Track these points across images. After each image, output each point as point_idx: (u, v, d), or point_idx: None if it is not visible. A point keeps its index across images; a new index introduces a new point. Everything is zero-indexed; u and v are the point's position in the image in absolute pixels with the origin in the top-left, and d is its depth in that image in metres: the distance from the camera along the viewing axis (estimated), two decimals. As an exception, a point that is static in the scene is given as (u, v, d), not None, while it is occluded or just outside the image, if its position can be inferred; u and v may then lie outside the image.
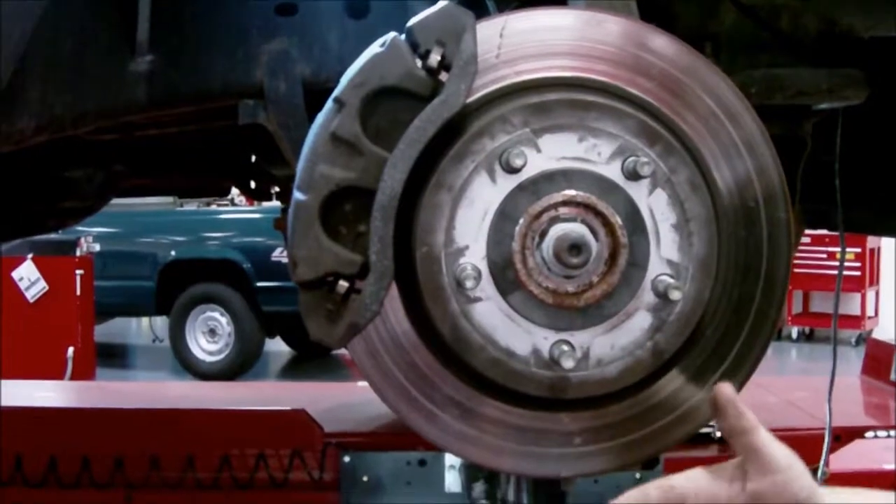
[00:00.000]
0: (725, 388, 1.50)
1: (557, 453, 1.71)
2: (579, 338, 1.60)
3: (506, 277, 1.57)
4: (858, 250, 15.04)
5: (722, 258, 1.65)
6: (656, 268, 1.60)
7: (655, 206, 1.59)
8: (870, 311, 15.74)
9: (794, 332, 16.16)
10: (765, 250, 1.70)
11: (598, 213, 1.56)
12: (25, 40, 1.92)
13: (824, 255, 14.59)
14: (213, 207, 14.40)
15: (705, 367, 1.71)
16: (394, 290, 1.60)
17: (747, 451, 1.47)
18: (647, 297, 1.60)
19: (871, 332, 14.98)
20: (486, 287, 1.57)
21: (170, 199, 11.83)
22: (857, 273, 15.21)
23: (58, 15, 1.97)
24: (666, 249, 1.60)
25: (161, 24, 2.13)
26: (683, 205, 1.59)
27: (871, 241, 14.61)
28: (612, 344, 1.61)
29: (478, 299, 1.57)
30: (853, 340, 14.86)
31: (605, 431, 1.71)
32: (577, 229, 1.55)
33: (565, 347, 1.58)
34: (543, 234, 1.55)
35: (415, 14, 1.60)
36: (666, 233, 1.60)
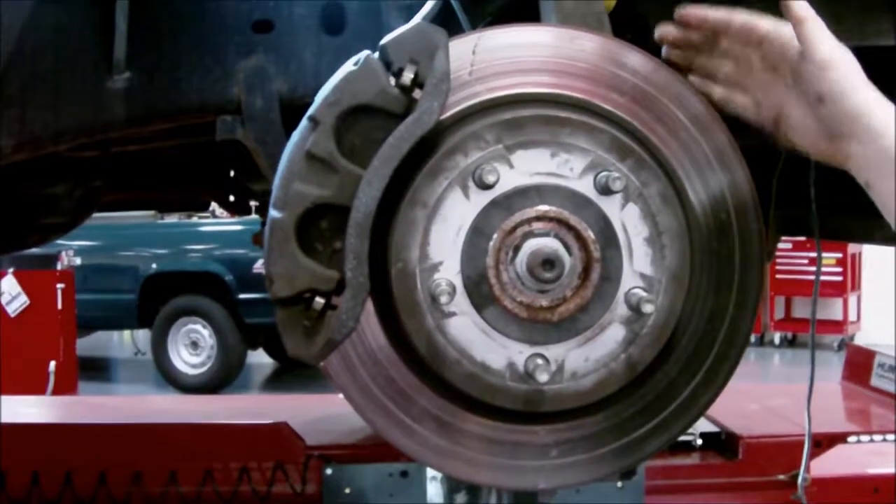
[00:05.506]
0: None
1: (534, 466, 1.72)
2: (554, 351, 1.61)
3: (480, 292, 1.58)
4: (840, 255, 15.10)
5: (694, 270, 1.66)
6: (629, 281, 1.61)
7: (628, 221, 1.60)
8: (852, 317, 15.80)
9: (777, 337, 16.21)
10: (737, 261, 1.71)
11: (571, 228, 1.57)
12: (4, 59, 1.93)
13: (806, 261, 14.65)
14: (195, 220, 14.37)
15: (679, 377, 1.73)
16: (370, 306, 1.61)
17: (801, 40, 1.62)
18: (621, 310, 1.61)
19: (853, 337, 15.07)
20: (461, 302, 1.58)
21: (150, 211, 11.83)
22: (839, 278, 15.27)
23: (36, 34, 1.98)
24: (638, 263, 1.61)
25: (138, 42, 2.14)
26: (655, 218, 1.61)
27: (853, 246, 14.66)
28: (586, 357, 1.62)
29: (452, 314, 1.58)
30: (835, 345, 14.91)
31: (582, 443, 1.72)
32: (551, 244, 1.56)
33: (540, 361, 1.59)
34: (517, 250, 1.56)
35: (390, 31, 1.61)
36: (638, 246, 1.61)
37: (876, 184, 1.58)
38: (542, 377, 1.59)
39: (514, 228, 1.57)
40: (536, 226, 1.57)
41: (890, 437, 4.48)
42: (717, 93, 1.74)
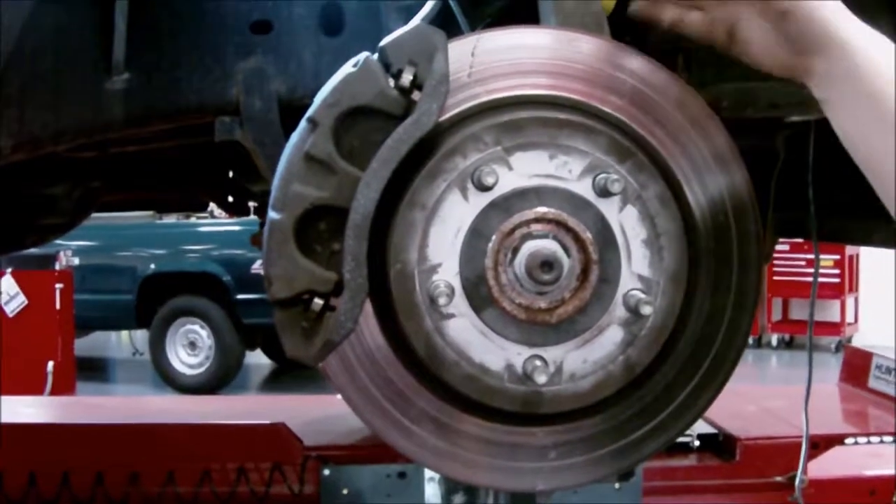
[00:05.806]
0: None
1: (532, 467, 1.71)
2: (552, 353, 1.60)
3: (479, 294, 1.58)
4: (837, 257, 15.13)
5: (693, 272, 1.66)
6: (627, 283, 1.61)
7: (626, 222, 1.60)
8: (849, 318, 15.82)
9: (774, 339, 16.22)
10: (735, 263, 1.71)
11: (570, 230, 1.57)
12: (4, 59, 1.93)
13: (803, 263, 14.66)
14: (193, 220, 14.38)
15: (677, 379, 1.73)
16: (368, 307, 1.61)
17: None
18: (619, 311, 1.61)
19: (850, 338, 15.08)
20: (460, 303, 1.58)
21: (149, 212, 11.83)
22: (837, 280, 15.30)
23: (36, 34, 1.98)
24: (637, 265, 1.61)
25: (137, 44, 2.14)
26: (654, 220, 1.60)
27: (850, 248, 14.68)
28: (584, 359, 1.62)
29: (451, 316, 1.58)
30: (833, 347, 14.93)
31: (580, 445, 1.72)
32: (549, 246, 1.55)
33: (538, 363, 1.58)
34: (516, 251, 1.56)
35: (389, 31, 1.61)
36: (637, 248, 1.60)
37: (837, 103, 1.55)
38: (541, 379, 1.58)
39: (513, 230, 1.56)
40: (535, 227, 1.57)
41: (887, 438, 4.50)
42: (668, 15, 1.70)
